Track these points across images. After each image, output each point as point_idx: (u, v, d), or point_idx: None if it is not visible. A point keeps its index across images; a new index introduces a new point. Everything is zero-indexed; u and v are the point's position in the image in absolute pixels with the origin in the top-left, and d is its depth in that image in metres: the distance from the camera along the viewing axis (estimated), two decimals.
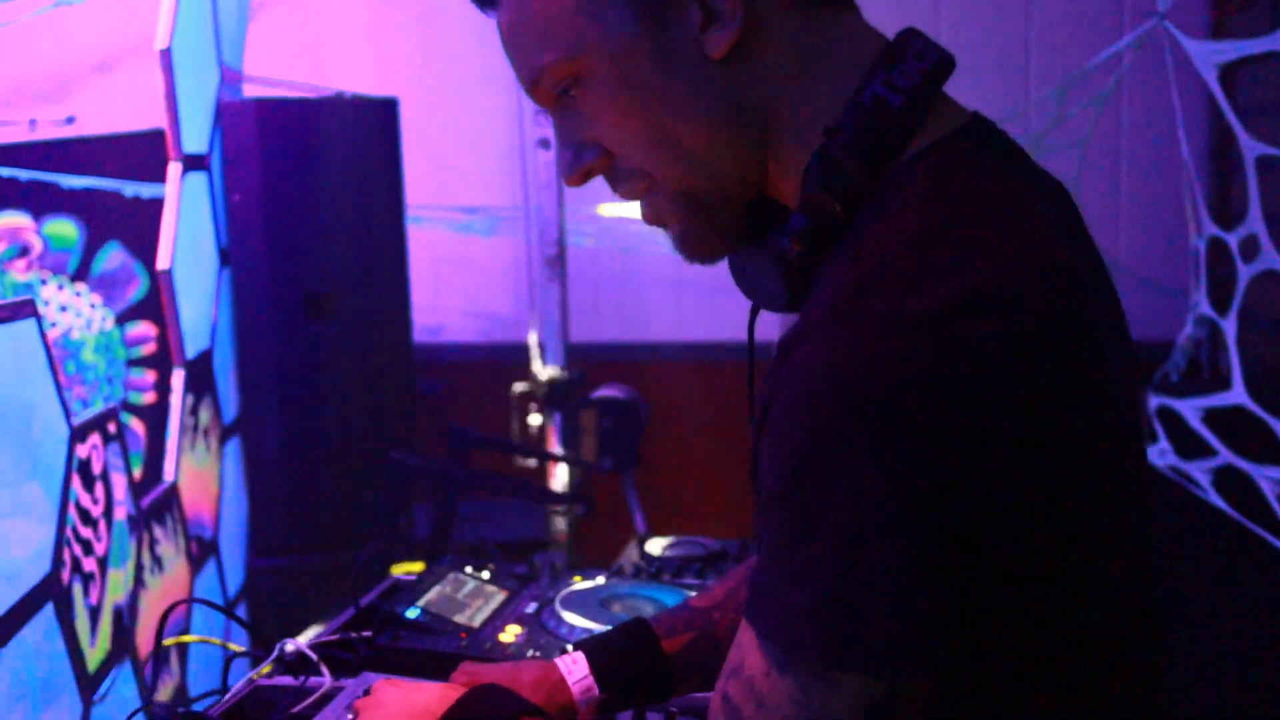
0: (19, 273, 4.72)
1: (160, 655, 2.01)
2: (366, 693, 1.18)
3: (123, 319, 3.09)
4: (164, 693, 2.51)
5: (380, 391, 3.26)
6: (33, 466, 1.97)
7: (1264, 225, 2.32)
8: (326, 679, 1.30)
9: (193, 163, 2.90)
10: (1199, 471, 2.54)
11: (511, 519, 3.05)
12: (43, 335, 2.07)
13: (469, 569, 1.60)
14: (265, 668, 1.36)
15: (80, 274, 4.71)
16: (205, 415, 3.07)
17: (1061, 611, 0.80)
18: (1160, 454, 2.68)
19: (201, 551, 2.91)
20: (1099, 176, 3.68)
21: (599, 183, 0.98)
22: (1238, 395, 2.40)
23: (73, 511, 2.07)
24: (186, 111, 2.91)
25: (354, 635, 1.42)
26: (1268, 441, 2.33)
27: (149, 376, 3.28)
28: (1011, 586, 0.77)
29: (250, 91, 3.46)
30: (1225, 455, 2.45)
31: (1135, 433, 0.87)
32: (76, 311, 4.73)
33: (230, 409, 3.25)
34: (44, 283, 4.71)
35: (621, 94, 0.89)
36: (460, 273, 4.32)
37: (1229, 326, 2.48)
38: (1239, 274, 2.44)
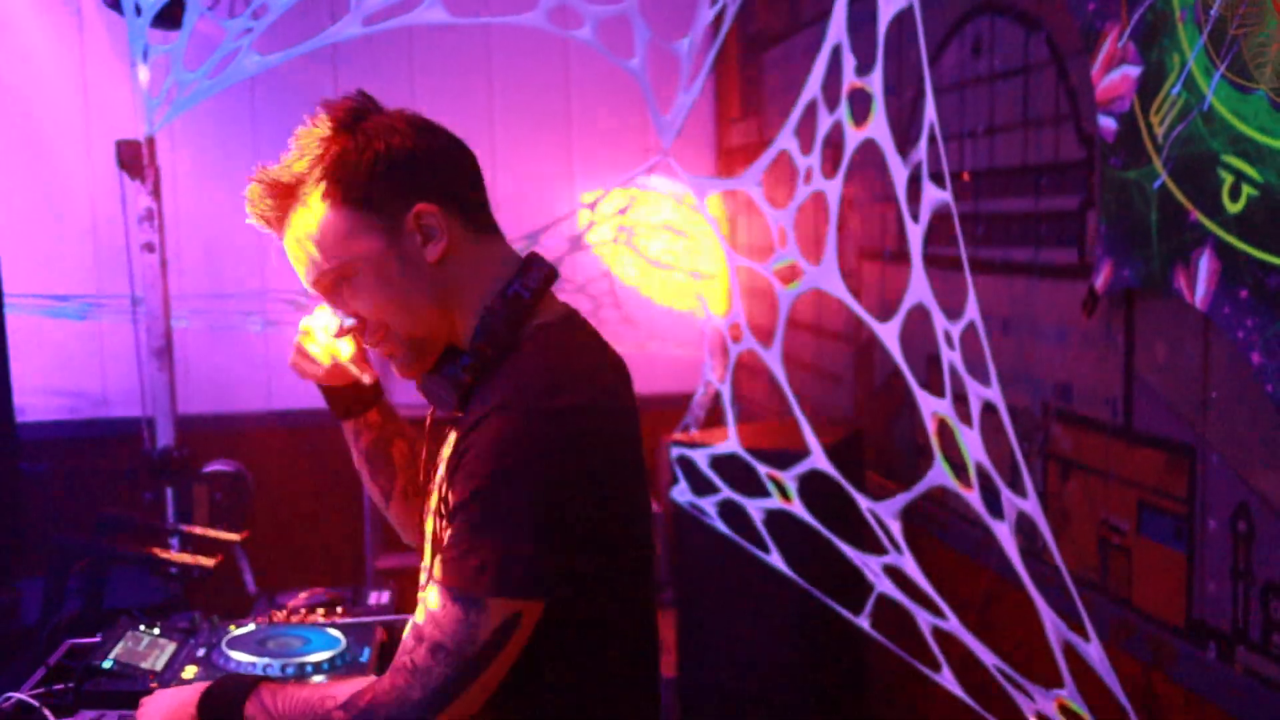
0: None
1: None
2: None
3: None
4: None
5: None
6: None
7: (744, 317, 3.05)
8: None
9: None
10: (708, 505, 3.24)
11: (126, 588, 3.29)
12: None
13: (142, 627, 1.97)
14: None
15: None
16: None
17: (613, 566, 1.45)
18: (681, 493, 3.36)
19: None
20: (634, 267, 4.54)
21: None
22: (733, 445, 3.11)
23: None
24: None
25: (60, 686, 1.77)
26: (753, 479, 3.05)
27: None
28: (593, 549, 1.40)
29: None
30: (726, 492, 3.16)
31: (642, 467, 1.55)
32: None
33: None
34: None
35: (378, 285, 1.48)
36: (48, 355, 4.47)
37: (725, 391, 3.21)
38: (730, 351, 3.17)
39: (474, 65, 4.69)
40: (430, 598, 1.38)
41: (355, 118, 1.49)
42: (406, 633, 1.40)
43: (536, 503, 1.35)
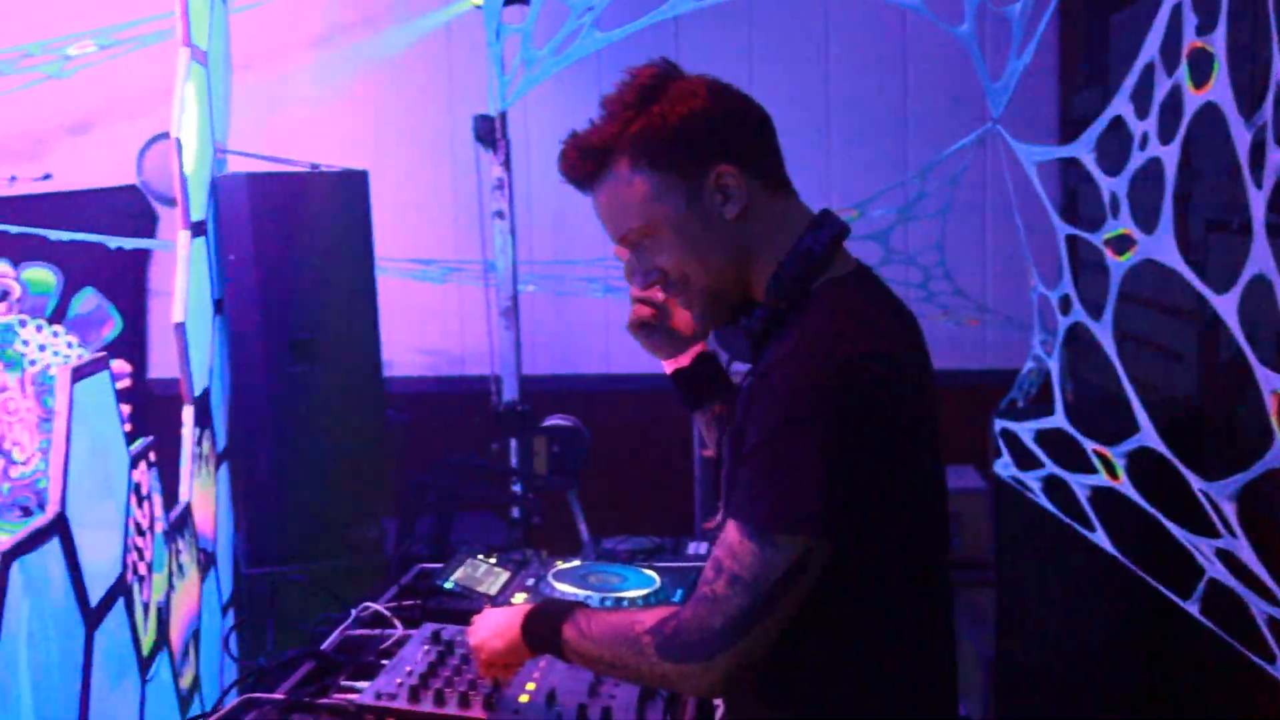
0: None
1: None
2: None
3: None
4: (185, 679, 2.99)
5: (356, 421, 3.77)
6: (108, 487, 2.46)
7: (1073, 288, 2.97)
8: (399, 629, 1.86)
9: (196, 229, 3.37)
10: (1032, 480, 3.18)
11: (471, 531, 3.58)
12: (111, 381, 2.54)
13: (480, 557, 2.18)
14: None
15: (57, 316, 5.14)
16: (206, 445, 3.54)
17: (901, 515, 1.51)
18: (1004, 466, 3.31)
19: (206, 561, 3.38)
20: (966, 237, 4.51)
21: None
22: (1058, 420, 3.04)
23: (131, 525, 2.55)
24: (192, 187, 3.37)
25: (410, 602, 1.99)
26: (1080, 455, 2.97)
27: (124, 409, 3.68)
28: (879, 494, 1.46)
29: (228, 163, 3.95)
30: (1050, 467, 3.09)
31: (933, 423, 1.59)
32: (55, 350, 5.16)
33: (222, 439, 3.72)
34: (23, 324, 5.14)
35: (679, 242, 1.59)
36: (411, 315, 4.87)
37: (1053, 365, 3.14)
38: (1059, 324, 3.09)
39: (812, 36, 4.73)
40: (728, 533, 1.48)
41: (658, 84, 1.59)
42: (707, 565, 1.49)
43: (823, 446, 1.42)
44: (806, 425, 1.43)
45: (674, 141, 1.56)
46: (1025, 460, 3.21)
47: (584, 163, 1.62)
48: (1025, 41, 2.95)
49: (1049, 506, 3.12)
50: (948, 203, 3.87)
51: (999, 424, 3.33)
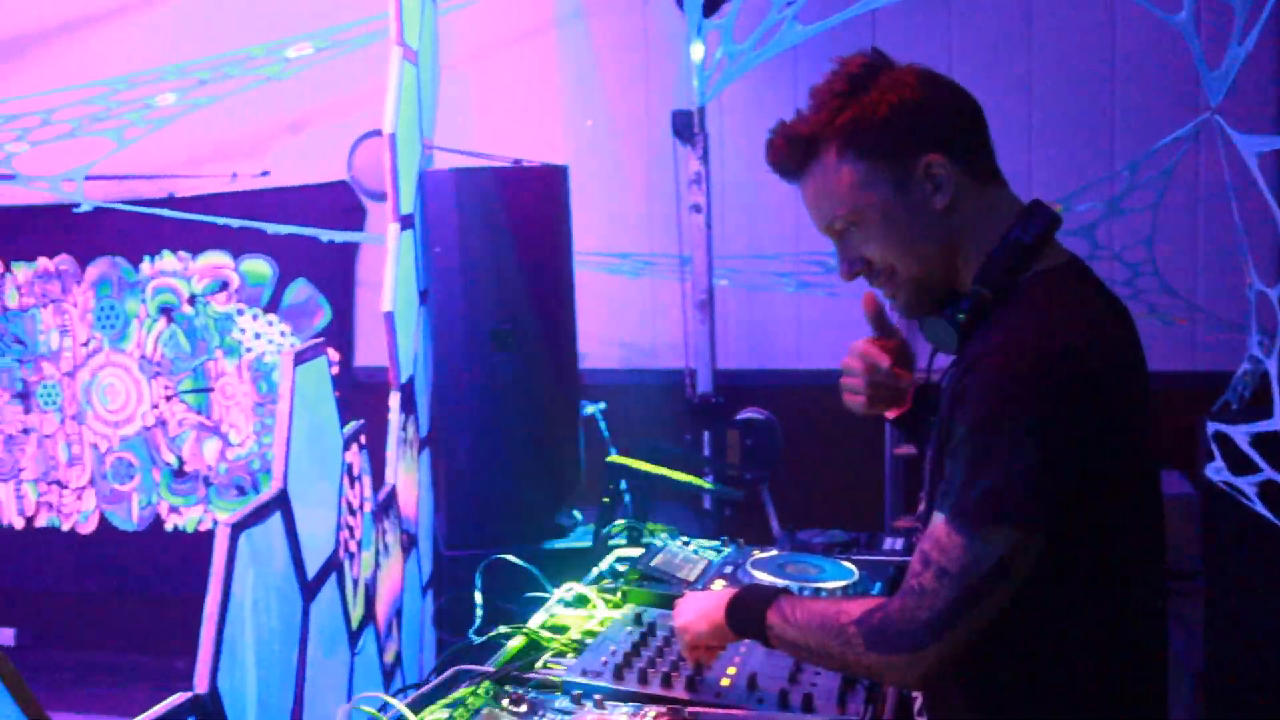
0: (219, 304, 5.45)
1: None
2: None
3: None
4: (389, 654, 3.11)
5: (552, 411, 3.85)
6: (323, 468, 2.57)
7: None
8: (601, 609, 1.91)
9: (405, 222, 3.49)
10: (1247, 485, 3.05)
11: (667, 521, 3.62)
12: (328, 366, 2.65)
13: (681, 542, 2.21)
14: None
15: (272, 306, 5.41)
16: (410, 430, 3.67)
17: (1112, 513, 1.47)
18: (1216, 471, 3.19)
19: (408, 542, 3.50)
20: (1177, 233, 4.34)
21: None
22: (1278, 423, 2.91)
23: (343, 504, 2.66)
24: (402, 181, 3.49)
25: (611, 584, 2.03)
26: None
27: None
28: (1090, 489, 1.43)
29: (434, 158, 4.09)
30: (1268, 472, 2.96)
31: (1145, 421, 1.55)
32: (269, 339, 5.43)
33: (425, 424, 3.85)
34: (240, 313, 5.43)
35: (886, 230, 1.59)
36: (605, 307, 4.94)
37: (1271, 366, 3.01)
38: None
39: (1013, 27, 4.62)
40: (935, 526, 1.47)
41: (868, 74, 1.59)
42: (914, 558, 1.49)
43: (1031, 439, 1.41)
44: (1015, 418, 1.41)
45: (883, 130, 1.56)
46: (1240, 465, 3.08)
47: (792, 152, 1.63)
48: (1248, 28, 2.83)
49: (1265, 513, 2.99)
50: (1158, 196, 3.74)
51: (1212, 427, 3.21)
